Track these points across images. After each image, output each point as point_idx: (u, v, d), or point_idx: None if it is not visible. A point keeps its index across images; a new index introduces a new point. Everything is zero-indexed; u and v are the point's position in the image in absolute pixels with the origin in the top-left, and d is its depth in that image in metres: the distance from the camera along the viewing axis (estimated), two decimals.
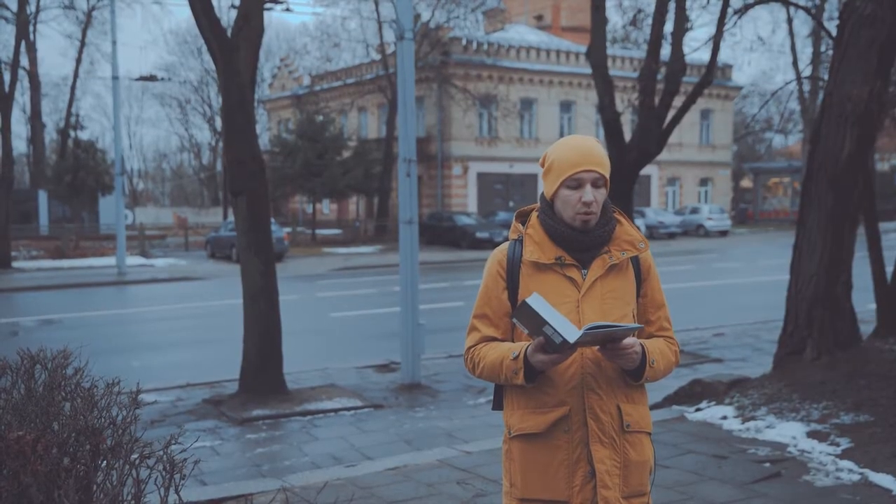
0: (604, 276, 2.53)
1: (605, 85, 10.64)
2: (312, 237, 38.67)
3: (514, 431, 2.57)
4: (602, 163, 2.51)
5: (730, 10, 10.38)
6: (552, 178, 2.54)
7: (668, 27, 10.55)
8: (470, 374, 2.65)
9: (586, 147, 2.52)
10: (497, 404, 2.70)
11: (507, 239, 2.71)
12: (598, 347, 2.45)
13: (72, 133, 41.05)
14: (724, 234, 41.71)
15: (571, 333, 2.28)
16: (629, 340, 2.41)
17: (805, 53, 46.69)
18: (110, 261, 27.78)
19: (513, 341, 2.58)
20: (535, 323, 2.32)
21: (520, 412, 2.56)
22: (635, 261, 2.61)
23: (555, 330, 2.29)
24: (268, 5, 20.80)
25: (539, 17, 51.74)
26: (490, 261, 2.65)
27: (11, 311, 17.16)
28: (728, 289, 19.01)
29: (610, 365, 2.48)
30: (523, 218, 2.69)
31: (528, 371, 2.44)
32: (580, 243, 2.53)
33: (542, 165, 2.60)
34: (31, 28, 39.51)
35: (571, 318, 2.44)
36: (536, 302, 2.32)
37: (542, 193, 2.63)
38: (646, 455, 2.56)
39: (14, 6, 33.02)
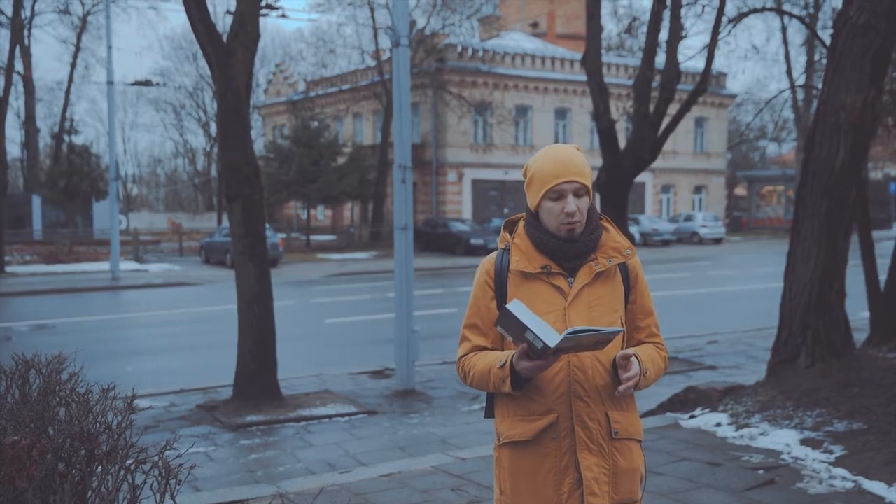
0: (590, 283, 2.53)
1: (600, 92, 10.68)
2: (307, 243, 38.65)
3: (503, 439, 2.58)
4: (582, 172, 2.50)
5: (724, 19, 10.45)
6: (534, 190, 2.54)
7: (663, 35, 10.61)
8: (462, 383, 2.64)
9: (565, 158, 2.51)
10: (489, 412, 2.70)
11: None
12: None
13: (66, 138, 40.97)
14: (718, 241, 41.80)
15: (552, 338, 2.27)
16: (631, 372, 2.41)
17: (799, 62, 46.85)
18: (104, 266, 27.77)
19: (502, 350, 2.58)
20: (517, 329, 2.31)
21: (509, 420, 2.56)
22: (623, 268, 2.61)
23: (535, 335, 2.28)
24: (264, 11, 20.83)
25: (534, 25, 51.80)
26: (479, 270, 2.65)
27: (5, 316, 17.10)
28: (722, 296, 19.05)
29: (598, 372, 2.48)
30: (511, 227, 2.68)
31: (514, 379, 2.44)
32: (566, 252, 2.53)
33: (525, 177, 2.60)
34: (25, 32, 39.50)
35: (559, 327, 2.43)
36: (517, 308, 2.32)
37: (528, 204, 2.64)
38: (635, 462, 2.55)
39: (9, 10, 33.01)
